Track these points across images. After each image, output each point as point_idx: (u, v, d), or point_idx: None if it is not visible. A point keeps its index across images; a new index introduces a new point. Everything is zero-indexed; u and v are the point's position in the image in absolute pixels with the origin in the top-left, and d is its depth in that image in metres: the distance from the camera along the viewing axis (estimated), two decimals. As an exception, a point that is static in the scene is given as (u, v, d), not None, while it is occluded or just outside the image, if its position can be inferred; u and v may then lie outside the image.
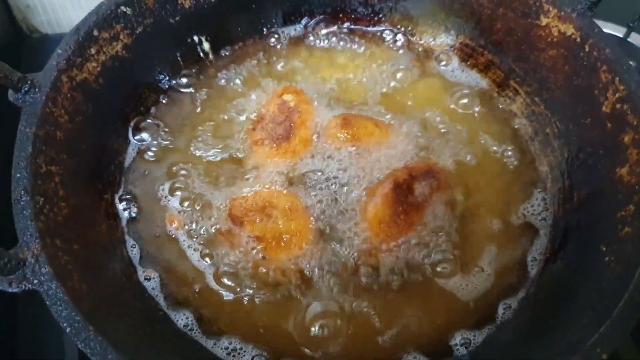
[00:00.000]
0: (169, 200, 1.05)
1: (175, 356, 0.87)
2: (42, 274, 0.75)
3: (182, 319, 0.93)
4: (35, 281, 0.75)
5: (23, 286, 0.75)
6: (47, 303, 0.74)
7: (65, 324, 0.73)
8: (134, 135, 1.12)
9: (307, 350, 0.91)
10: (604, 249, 0.86)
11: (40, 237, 0.78)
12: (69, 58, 0.95)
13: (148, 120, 1.14)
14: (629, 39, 1.43)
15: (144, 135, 1.12)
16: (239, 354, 0.90)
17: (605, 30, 1.00)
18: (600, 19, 1.08)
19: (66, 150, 0.92)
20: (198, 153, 1.11)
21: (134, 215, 1.04)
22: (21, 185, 0.82)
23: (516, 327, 0.92)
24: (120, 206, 1.04)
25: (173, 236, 1.02)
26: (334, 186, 1.05)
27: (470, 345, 0.91)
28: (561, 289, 0.92)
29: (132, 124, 1.12)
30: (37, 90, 0.90)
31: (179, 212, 1.04)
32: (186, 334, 0.92)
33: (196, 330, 0.92)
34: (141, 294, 0.95)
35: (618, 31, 1.44)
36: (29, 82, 0.89)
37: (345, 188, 1.04)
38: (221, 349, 0.91)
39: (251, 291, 0.95)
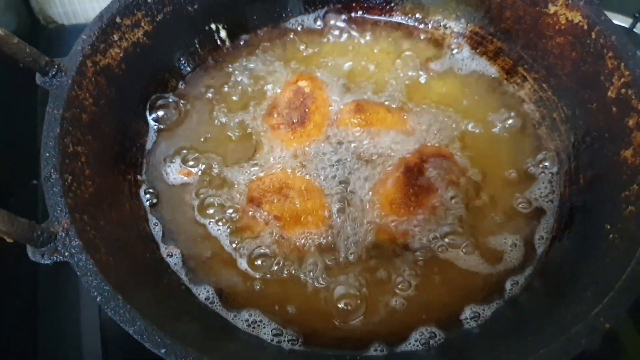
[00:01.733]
0: (186, 184, 1.09)
1: (197, 326, 0.89)
2: (73, 246, 0.78)
3: (204, 292, 0.97)
4: (67, 253, 0.78)
5: (55, 258, 0.78)
6: (78, 274, 0.77)
7: (95, 293, 0.76)
8: (150, 114, 1.15)
9: (321, 324, 0.95)
10: (609, 227, 0.89)
11: (69, 213, 0.81)
12: (93, 44, 0.98)
13: (169, 100, 1.18)
14: (635, 29, 1.45)
15: (162, 116, 1.16)
16: (258, 326, 0.94)
17: (611, 20, 1.03)
18: (607, 9, 1.09)
19: (91, 132, 0.96)
20: (215, 136, 1.15)
21: (155, 201, 1.07)
22: (50, 164, 0.85)
23: (524, 302, 0.95)
24: (142, 191, 1.08)
25: (195, 217, 1.05)
26: (347, 169, 1.08)
27: (479, 318, 0.95)
28: (567, 266, 0.94)
29: (149, 103, 1.16)
30: (63, 74, 0.93)
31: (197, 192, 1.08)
32: (207, 307, 0.95)
33: (217, 303, 0.96)
34: (164, 269, 0.99)
35: (624, 22, 1.45)
36: (55, 66, 0.92)
37: (358, 171, 1.08)
38: (242, 321, 0.94)
39: (270, 267, 0.99)
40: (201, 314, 0.94)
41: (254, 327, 0.93)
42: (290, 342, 0.92)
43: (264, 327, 0.93)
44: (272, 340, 0.92)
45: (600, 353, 1.03)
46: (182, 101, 1.19)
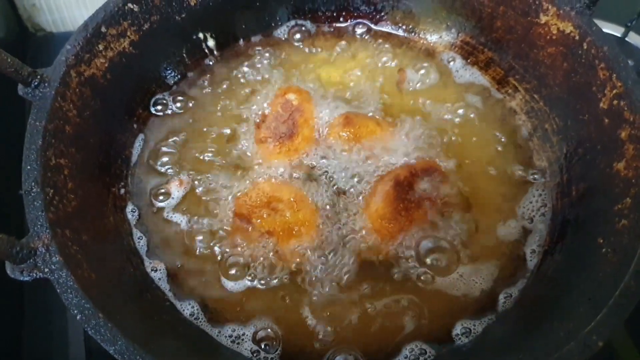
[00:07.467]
0: (173, 197, 1.07)
1: (181, 343, 0.88)
2: (53, 262, 0.77)
3: (188, 308, 0.95)
4: (46, 270, 0.76)
5: (34, 275, 0.77)
6: (58, 291, 0.76)
7: (75, 311, 0.74)
8: (137, 125, 1.14)
9: (307, 341, 0.93)
10: (601, 241, 0.88)
11: (50, 228, 0.80)
12: (78, 54, 0.97)
13: (155, 110, 1.17)
14: (627, 39, 1.44)
15: (149, 127, 1.15)
16: (242, 340, 0.92)
17: (603, 30, 1.02)
18: (599, 18, 1.09)
19: (75, 144, 0.94)
20: (202, 150, 1.13)
21: (140, 215, 1.05)
22: (31, 177, 0.83)
23: (515, 317, 0.94)
24: (127, 204, 1.06)
25: (181, 232, 1.04)
26: (336, 184, 1.06)
27: (470, 334, 0.93)
28: (559, 280, 0.93)
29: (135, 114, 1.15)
30: (46, 85, 0.91)
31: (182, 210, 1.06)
32: (192, 323, 0.94)
33: (202, 319, 0.94)
34: (148, 284, 0.97)
35: (616, 31, 1.45)
36: (38, 76, 0.91)
37: (348, 185, 1.06)
38: (225, 337, 0.92)
39: (255, 282, 0.97)
40: (185, 331, 0.92)
41: (237, 344, 0.92)
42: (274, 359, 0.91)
43: (246, 342, 0.92)
44: (256, 356, 0.91)
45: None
46: (168, 112, 1.17)
